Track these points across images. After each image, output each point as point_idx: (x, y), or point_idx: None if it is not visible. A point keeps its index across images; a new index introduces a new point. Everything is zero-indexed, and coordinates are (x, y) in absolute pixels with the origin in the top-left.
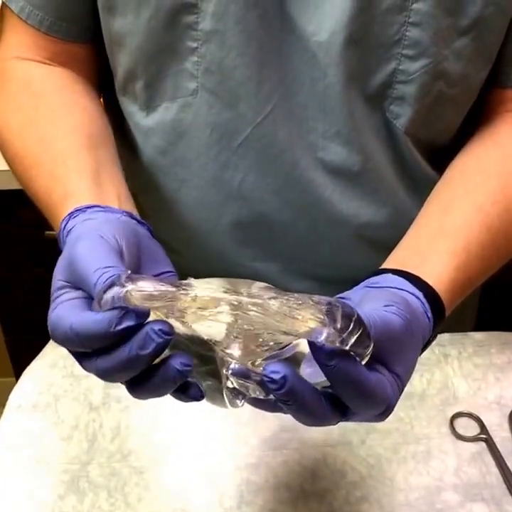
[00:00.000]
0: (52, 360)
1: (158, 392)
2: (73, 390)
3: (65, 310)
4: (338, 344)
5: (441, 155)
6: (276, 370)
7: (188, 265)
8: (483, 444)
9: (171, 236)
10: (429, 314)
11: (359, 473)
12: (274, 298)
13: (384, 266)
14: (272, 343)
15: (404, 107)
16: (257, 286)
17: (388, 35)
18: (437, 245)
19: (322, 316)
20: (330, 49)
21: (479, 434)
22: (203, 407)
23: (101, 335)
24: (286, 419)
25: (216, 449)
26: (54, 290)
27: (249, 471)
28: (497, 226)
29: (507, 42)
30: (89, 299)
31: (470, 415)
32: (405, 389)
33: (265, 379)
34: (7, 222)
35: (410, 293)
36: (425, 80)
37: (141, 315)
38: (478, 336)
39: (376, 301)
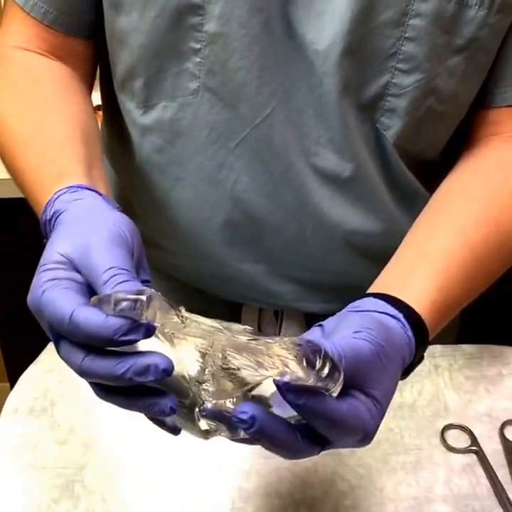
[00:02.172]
0: (49, 366)
1: (129, 409)
2: (69, 395)
3: (65, 295)
4: (307, 382)
5: (429, 170)
6: (245, 411)
7: (176, 264)
8: (474, 456)
9: (161, 233)
10: (410, 334)
11: (349, 483)
12: (249, 339)
13: (368, 290)
14: (245, 382)
15: (395, 119)
16: (238, 329)
17: (384, 48)
18: (418, 269)
19: (291, 356)
20: (327, 58)
21: (470, 445)
22: None
23: (103, 338)
24: None
25: (208, 457)
26: (48, 260)
27: (241, 479)
28: (480, 248)
29: (494, 63)
30: (85, 287)
31: (461, 427)
32: (396, 400)
33: (235, 419)
34: (7, 230)
35: (390, 315)
36: (417, 95)
37: (149, 332)
38: (469, 348)
39: (347, 328)
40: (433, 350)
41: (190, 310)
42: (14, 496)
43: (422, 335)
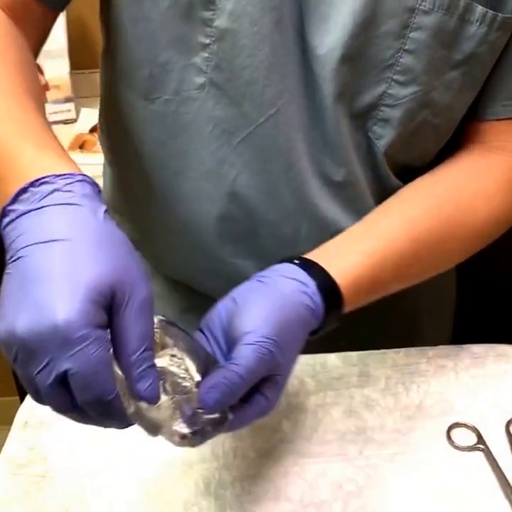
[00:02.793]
0: None
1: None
2: None
3: (106, 367)
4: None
5: (415, 176)
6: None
7: (167, 256)
8: (481, 454)
9: (156, 224)
10: (318, 301)
11: (356, 484)
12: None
13: (303, 255)
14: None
15: (388, 129)
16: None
17: (382, 58)
18: (357, 244)
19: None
20: (326, 64)
21: (476, 444)
22: None
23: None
24: (284, 431)
25: (215, 462)
26: (89, 301)
27: (249, 483)
28: (423, 240)
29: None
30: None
31: (467, 426)
32: (402, 400)
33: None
34: None
35: (299, 281)
36: (411, 107)
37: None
38: (474, 347)
39: (250, 320)
40: (438, 350)
41: (185, 309)
42: (26, 509)
43: (335, 303)
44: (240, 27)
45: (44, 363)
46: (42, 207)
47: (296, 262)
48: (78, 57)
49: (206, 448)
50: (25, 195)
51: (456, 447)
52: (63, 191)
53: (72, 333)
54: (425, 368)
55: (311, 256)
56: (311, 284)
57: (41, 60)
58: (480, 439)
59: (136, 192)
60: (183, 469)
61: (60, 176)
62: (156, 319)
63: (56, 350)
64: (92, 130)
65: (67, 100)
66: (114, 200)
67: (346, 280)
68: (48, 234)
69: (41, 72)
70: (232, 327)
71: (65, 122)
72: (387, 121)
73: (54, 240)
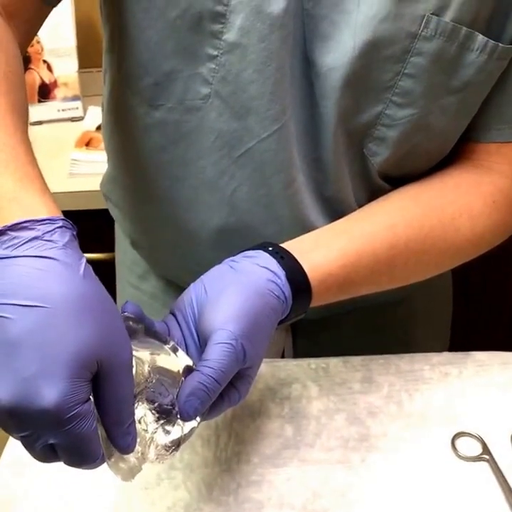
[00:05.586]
0: None
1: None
2: None
3: (93, 438)
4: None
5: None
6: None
7: (163, 258)
8: (486, 464)
9: (153, 227)
10: (287, 292)
11: (360, 492)
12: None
13: (281, 244)
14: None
15: (383, 147)
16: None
17: (382, 80)
18: (335, 241)
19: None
20: (326, 82)
21: (481, 454)
22: (206, 426)
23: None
24: (287, 437)
25: (217, 467)
26: (82, 370)
27: (252, 489)
28: (400, 248)
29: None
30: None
31: (472, 435)
32: (406, 408)
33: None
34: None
35: (272, 271)
36: (407, 128)
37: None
38: (478, 355)
39: (220, 313)
40: (443, 358)
41: None
42: (28, 508)
43: (304, 296)
44: (249, 42)
45: (29, 433)
46: (22, 256)
47: (270, 249)
48: (86, 56)
49: (208, 452)
50: (3, 238)
51: (461, 457)
52: (44, 240)
53: (61, 415)
54: (429, 375)
55: (285, 245)
56: (282, 275)
57: (50, 58)
58: (485, 448)
59: (135, 194)
60: (186, 473)
61: (40, 221)
62: (122, 317)
63: (43, 426)
64: (99, 128)
65: (74, 98)
66: (113, 196)
67: (317, 273)
68: (29, 295)
69: (50, 69)
70: (203, 318)
71: (73, 120)
72: (383, 140)
73: (36, 306)
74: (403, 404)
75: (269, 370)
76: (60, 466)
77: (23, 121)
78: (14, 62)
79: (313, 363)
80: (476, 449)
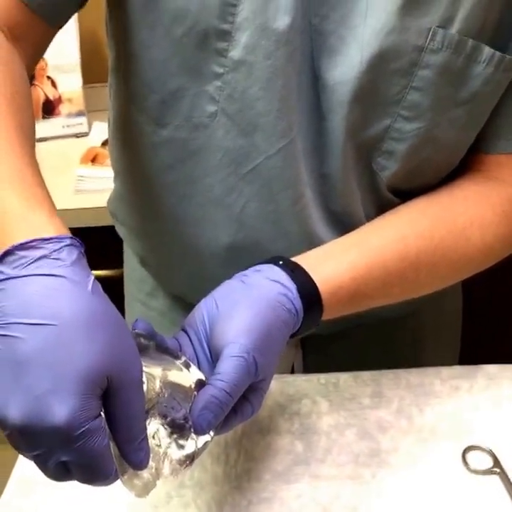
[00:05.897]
0: None
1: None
2: None
3: (106, 454)
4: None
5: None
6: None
7: (171, 275)
8: (497, 478)
9: (161, 245)
10: (298, 306)
11: (370, 507)
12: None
13: (291, 258)
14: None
15: (391, 161)
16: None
17: (390, 94)
18: (345, 254)
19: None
20: (334, 97)
21: (492, 467)
22: (215, 444)
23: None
24: (298, 453)
25: (227, 484)
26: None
27: (263, 506)
28: (411, 260)
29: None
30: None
31: (482, 449)
32: (416, 422)
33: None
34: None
35: (283, 285)
36: (416, 142)
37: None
38: (489, 368)
39: (231, 330)
40: (453, 371)
41: None
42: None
43: (316, 309)
44: (254, 59)
45: (41, 451)
46: (31, 275)
47: (280, 262)
48: (91, 72)
49: (219, 469)
50: (11, 257)
51: (472, 471)
52: (51, 258)
53: (72, 432)
54: (439, 388)
55: (296, 259)
56: (293, 288)
57: (54, 74)
58: (496, 462)
59: (142, 211)
60: (196, 491)
61: (47, 240)
62: (133, 334)
63: (55, 444)
64: (104, 143)
65: (79, 114)
66: (121, 213)
67: (328, 286)
68: (39, 314)
69: (54, 85)
70: (214, 332)
71: (77, 136)
72: (392, 154)
73: (46, 324)
74: (413, 418)
75: (279, 386)
76: (70, 484)
77: (30, 144)
78: (21, 82)
79: (322, 378)
80: (487, 463)
